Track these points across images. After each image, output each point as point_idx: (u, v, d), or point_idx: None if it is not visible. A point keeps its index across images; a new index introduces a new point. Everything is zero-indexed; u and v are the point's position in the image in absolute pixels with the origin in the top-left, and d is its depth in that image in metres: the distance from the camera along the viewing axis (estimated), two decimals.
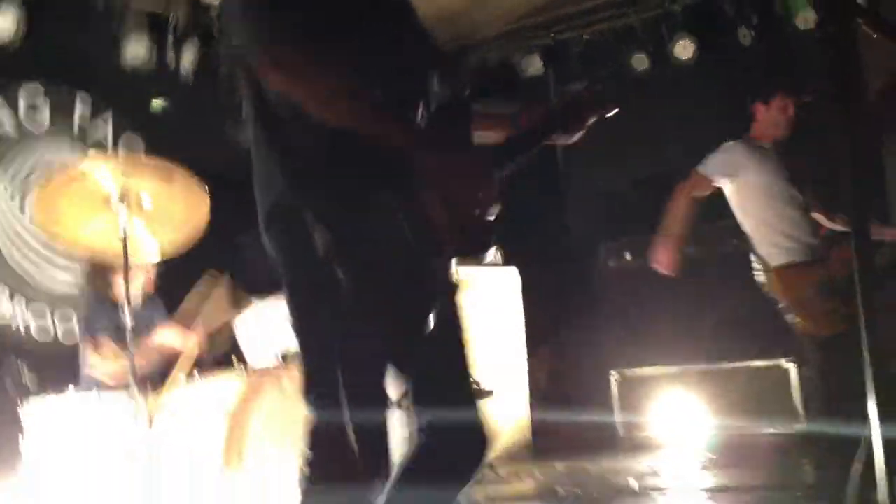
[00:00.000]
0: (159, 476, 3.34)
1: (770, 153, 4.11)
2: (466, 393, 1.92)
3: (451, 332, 1.91)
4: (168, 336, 4.23)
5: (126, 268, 3.32)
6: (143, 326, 4.19)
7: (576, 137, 2.10)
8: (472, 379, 1.94)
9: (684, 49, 5.97)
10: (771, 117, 4.12)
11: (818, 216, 4.20)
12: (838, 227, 4.19)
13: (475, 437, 1.89)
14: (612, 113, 2.08)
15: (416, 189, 1.70)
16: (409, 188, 1.70)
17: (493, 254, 5.62)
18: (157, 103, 5.49)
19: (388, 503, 1.77)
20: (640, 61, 6.15)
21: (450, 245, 1.74)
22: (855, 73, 1.63)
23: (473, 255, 1.94)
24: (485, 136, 2.12)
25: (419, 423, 1.87)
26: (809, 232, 4.04)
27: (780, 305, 3.98)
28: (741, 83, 6.09)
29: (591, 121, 2.08)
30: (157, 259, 3.79)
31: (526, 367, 5.45)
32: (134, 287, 4.07)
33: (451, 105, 1.96)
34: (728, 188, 4.12)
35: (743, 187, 4.08)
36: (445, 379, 1.90)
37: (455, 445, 1.86)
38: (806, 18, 5.81)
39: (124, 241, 3.30)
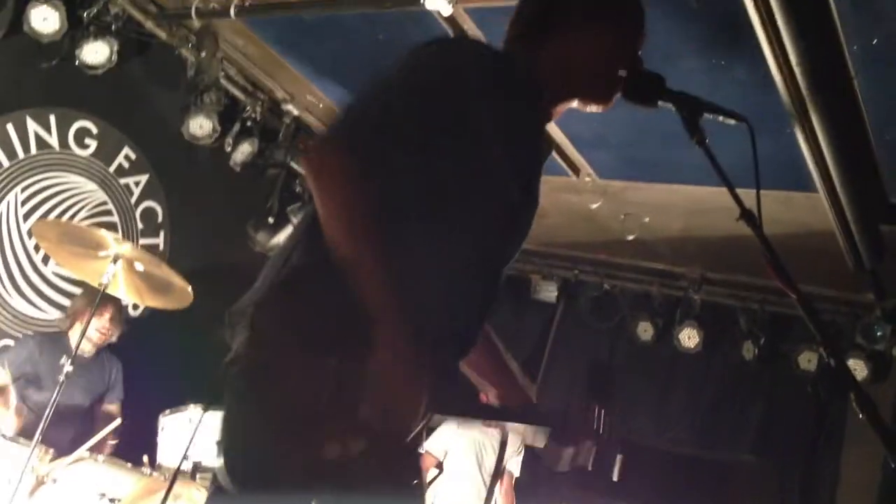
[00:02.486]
0: None
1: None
2: None
3: None
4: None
5: (90, 316, 3.81)
6: (80, 378, 4.20)
7: (561, 462, 1.81)
8: None
9: (688, 338, 6.08)
10: None
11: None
12: None
13: None
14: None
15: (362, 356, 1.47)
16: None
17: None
18: None
19: None
20: (646, 331, 6.23)
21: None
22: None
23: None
24: (478, 382, 1.94)
25: None
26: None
27: None
28: (732, 392, 6.15)
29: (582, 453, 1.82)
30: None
31: None
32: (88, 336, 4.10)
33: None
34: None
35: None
36: None
37: None
38: (810, 359, 5.90)
39: (103, 288, 3.72)
